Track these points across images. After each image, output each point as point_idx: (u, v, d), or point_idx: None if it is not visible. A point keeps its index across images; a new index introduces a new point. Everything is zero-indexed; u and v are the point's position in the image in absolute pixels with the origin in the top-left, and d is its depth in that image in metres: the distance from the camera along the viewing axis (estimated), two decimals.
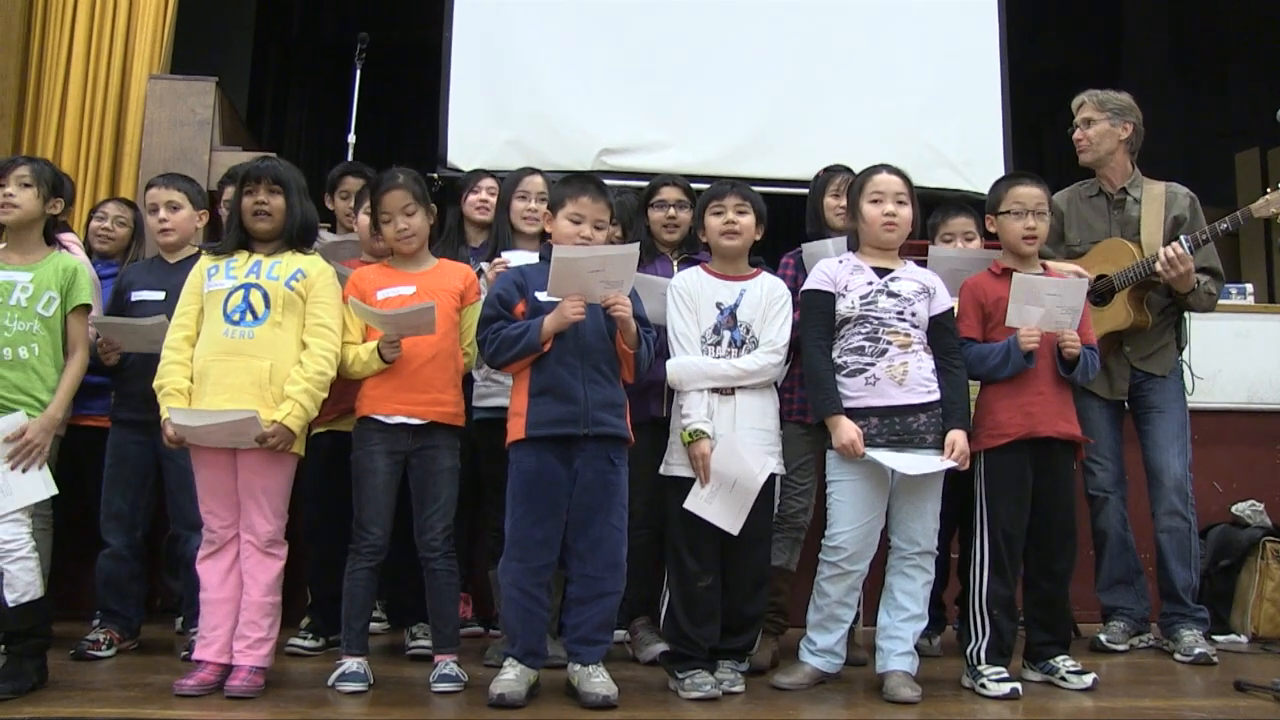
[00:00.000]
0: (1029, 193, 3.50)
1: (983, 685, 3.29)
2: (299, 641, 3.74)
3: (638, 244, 3.27)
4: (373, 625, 3.77)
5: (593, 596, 3.16)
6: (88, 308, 3.43)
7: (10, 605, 3.11)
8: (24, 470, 3.20)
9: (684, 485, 3.30)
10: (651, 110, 6.30)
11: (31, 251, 3.40)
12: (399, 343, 3.28)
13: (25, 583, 3.13)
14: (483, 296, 3.43)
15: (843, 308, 3.35)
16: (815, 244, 3.76)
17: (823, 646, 3.37)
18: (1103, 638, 4.01)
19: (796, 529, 3.74)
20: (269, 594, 3.20)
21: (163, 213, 3.81)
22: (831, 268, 3.41)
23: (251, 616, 3.18)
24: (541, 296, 3.19)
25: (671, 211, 3.86)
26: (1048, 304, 3.33)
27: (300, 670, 3.51)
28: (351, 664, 3.24)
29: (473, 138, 6.19)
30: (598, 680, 3.10)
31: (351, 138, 5.84)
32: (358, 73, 6.05)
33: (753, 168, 5.83)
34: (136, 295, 3.76)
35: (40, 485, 3.25)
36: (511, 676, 3.10)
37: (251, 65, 8.98)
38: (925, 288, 3.40)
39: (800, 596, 3.57)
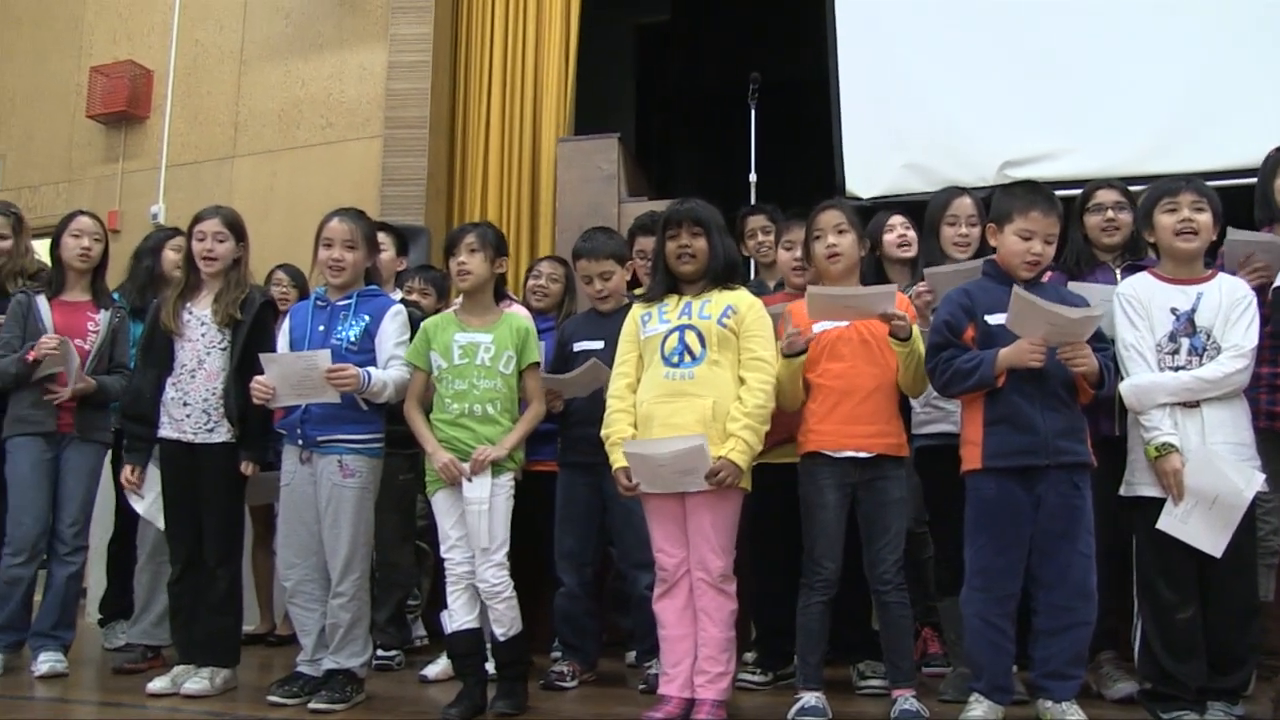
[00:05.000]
0: None
1: None
2: (747, 676, 3.78)
3: (1113, 287, 3.09)
4: None
5: (1062, 628, 3.01)
6: (538, 365, 3.62)
7: (501, 640, 3.39)
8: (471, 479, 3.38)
9: (1150, 507, 3.07)
10: (1051, 116, 5.92)
11: (486, 313, 3.60)
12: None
13: (510, 619, 3.39)
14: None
15: None
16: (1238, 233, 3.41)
17: None
18: None
19: (1269, 554, 3.38)
20: (725, 630, 3.25)
21: (597, 284, 4.00)
22: None
23: (710, 652, 3.24)
24: (992, 321, 3.08)
25: (1110, 214, 3.65)
26: None
27: (752, 704, 3.56)
28: (809, 698, 3.24)
29: (870, 164, 6.12)
30: (1074, 718, 2.95)
31: (753, 176, 5.94)
32: (753, 113, 6.15)
33: (1172, 163, 5.19)
34: (578, 346, 3.98)
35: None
36: (979, 713, 3.02)
37: (636, 116, 9.40)
38: None
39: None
